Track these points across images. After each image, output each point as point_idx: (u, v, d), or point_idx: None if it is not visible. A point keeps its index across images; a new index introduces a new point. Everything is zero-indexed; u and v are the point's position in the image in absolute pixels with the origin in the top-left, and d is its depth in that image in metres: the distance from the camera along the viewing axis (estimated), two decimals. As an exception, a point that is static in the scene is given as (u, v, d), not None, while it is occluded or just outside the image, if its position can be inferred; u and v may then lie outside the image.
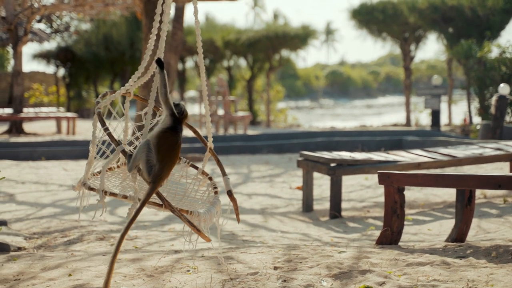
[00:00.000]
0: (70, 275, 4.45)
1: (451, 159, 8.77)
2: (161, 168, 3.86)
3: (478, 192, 9.03)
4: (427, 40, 29.77)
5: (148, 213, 8.62)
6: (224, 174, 4.41)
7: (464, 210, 5.56)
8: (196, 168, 4.58)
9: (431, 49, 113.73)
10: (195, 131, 4.52)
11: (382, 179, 5.69)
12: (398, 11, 28.64)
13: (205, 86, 4.39)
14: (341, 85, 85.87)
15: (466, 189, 5.52)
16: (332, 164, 8.40)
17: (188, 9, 23.19)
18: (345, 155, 8.80)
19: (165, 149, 3.88)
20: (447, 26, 27.34)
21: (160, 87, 4.01)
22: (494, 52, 20.49)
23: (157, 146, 3.88)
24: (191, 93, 51.57)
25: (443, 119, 28.28)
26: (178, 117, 3.97)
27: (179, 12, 24.41)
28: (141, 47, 14.40)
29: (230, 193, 4.30)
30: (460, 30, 26.85)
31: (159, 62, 4.04)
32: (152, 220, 8.21)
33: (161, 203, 3.83)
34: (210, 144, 4.44)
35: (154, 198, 3.88)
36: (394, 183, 5.60)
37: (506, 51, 19.36)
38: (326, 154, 8.68)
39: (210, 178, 4.50)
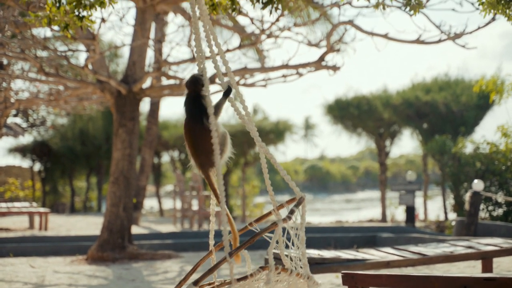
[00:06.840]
0: None
1: (421, 257, 8.60)
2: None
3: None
4: (402, 136, 29.98)
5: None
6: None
7: (431, 312, 5.39)
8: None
9: (408, 144, 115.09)
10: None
11: (346, 280, 5.56)
12: (373, 107, 28.90)
13: (264, 160, 4.62)
14: (320, 179, 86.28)
15: (431, 290, 5.36)
16: (300, 263, 8.22)
17: (163, 104, 23.35)
18: (313, 253, 8.61)
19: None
20: (422, 122, 27.62)
21: (217, 107, 4.59)
22: (469, 148, 20.57)
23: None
24: (167, 187, 51.31)
25: (419, 215, 28.21)
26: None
27: (154, 106, 24.56)
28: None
29: None
30: (434, 125, 27.13)
31: (228, 90, 4.63)
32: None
33: None
34: (299, 193, 4.44)
35: None
36: (358, 284, 5.46)
37: (480, 147, 19.42)
38: (293, 253, 8.50)
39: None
